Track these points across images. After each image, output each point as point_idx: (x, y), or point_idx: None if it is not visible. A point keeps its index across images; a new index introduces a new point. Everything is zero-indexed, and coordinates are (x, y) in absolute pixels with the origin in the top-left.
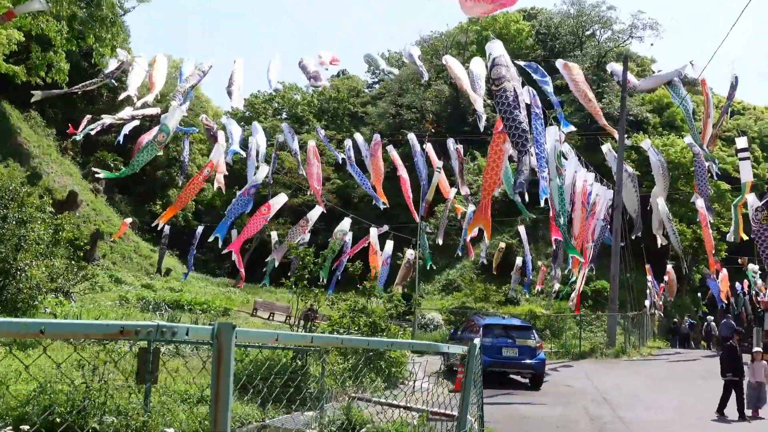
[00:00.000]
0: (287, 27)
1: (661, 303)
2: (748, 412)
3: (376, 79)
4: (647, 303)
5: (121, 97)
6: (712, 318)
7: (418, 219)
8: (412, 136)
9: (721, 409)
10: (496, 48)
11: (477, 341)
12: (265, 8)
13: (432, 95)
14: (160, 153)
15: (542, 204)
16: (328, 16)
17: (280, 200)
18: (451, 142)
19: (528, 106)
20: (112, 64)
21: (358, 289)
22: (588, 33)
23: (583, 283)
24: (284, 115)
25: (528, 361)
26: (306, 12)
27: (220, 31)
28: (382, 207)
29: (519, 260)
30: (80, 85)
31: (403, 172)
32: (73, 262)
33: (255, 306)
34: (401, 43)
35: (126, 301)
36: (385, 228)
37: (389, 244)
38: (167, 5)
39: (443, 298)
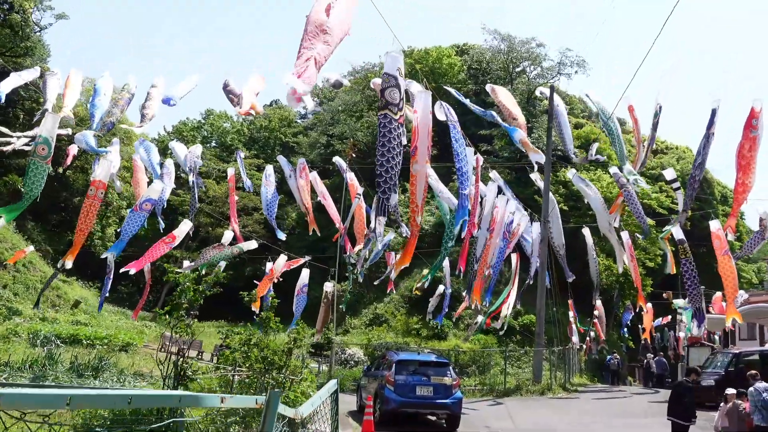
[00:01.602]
0: (216, 52)
1: (591, 338)
2: None
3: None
4: (574, 338)
5: (38, 116)
6: (653, 356)
7: (338, 238)
8: (338, 160)
9: None
10: (392, 62)
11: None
12: (191, 29)
13: (364, 126)
14: (51, 171)
15: (457, 228)
16: (259, 43)
17: (183, 228)
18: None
19: (442, 123)
20: (13, 80)
21: (238, 322)
22: (518, 69)
23: (502, 309)
24: (213, 143)
25: (443, 400)
26: (243, 40)
27: (140, 50)
28: (311, 232)
29: (440, 287)
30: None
31: (326, 197)
32: None
33: (163, 340)
34: (334, 72)
35: (15, 335)
36: (306, 259)
37: (305, 272)
38: (88, 22)
39: (370, 332)
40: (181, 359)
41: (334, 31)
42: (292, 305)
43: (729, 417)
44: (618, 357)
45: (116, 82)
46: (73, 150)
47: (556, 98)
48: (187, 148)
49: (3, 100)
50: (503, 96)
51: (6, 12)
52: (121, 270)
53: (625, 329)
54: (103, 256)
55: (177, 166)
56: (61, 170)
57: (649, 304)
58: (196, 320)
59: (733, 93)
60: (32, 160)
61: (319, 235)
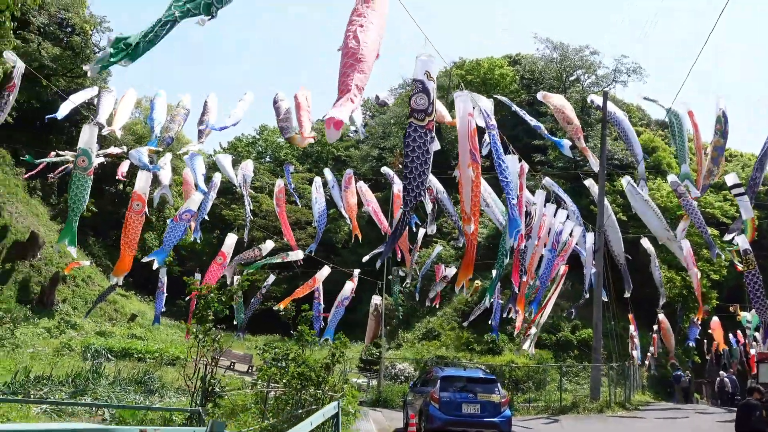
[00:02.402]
0: (268, 67)
1: (654, 354)
2: None
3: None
4: (635, 353)
5: (105, 131)
6: (725, 374)
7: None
8: (386, 170)
9: None
10: (421, 66)
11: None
12: (242, 43)
13: None
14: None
15: (512, 241)
16: (309, 60)
17: (230, 242)
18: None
19: (481, 130)
20: (80, 96)
21: (289, 336)
22: (572, 78)
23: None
24: (267, 159)
25: (491, 419)
26: (290, 57)
27: (190, 68)
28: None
29: (487, 300)
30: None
31: (373, 204)
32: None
33: (221, 354)
34: (386, 86)
35: (69, 349)
36: (357, 273)
37: (348, 285)
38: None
39: (423, 346)
40: (209, 375)
41: (368, 57)
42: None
43: None
44: (689, 374)
45: (171, 99)
46: (123, 167)
47: (612, 106)
48: (241, 163)
49: (60, 118)
50: (557, 101)
51: (68, 35)
52: (187, 298)
53: (693, 344)
54: (145, 259)
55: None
56: (121, 186)
57: (716, 318)
58: (248, 334)
59: None
60: (74, 172)
61: (360, 239)
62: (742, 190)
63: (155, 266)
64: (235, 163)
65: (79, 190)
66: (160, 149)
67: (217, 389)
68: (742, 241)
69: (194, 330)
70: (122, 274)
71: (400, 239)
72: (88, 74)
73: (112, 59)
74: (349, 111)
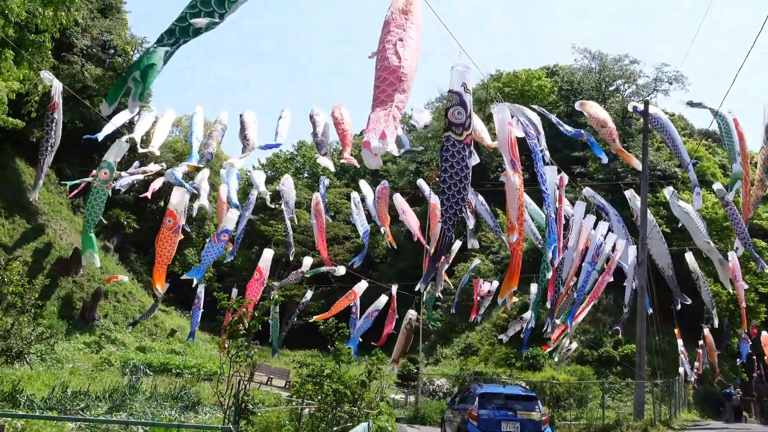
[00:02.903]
0: (303, 84)
1: (699, 370)
2: None
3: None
4: (681, 370)
5: (142, 150)
6: None
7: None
8: (421, 182)
9: None
10: (457, 77)
11: None
12: (273, 60)
13: None
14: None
15: (555, 259)
16: (346, 73)
17: (266, 257)
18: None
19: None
20: (122, 117)
21: (327, 351)
22: (612, 88)
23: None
24: (305, 174)
25: None
26: (325, 71)
27: (230, 83)
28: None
29: (527, 314)
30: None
31: (408, 215)
32: (33, 320)
33: (254, 369)
34: (420, 99)
35: (109, 364)
36: (394, 288)
37: (383, 298)
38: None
39: (462, 362)
40: (242, 391)
41: (409, 76)
42: (381, 333)
43: None
44: (740, 391)
45: (209, 116)
46: (155, 184)
47: (656, 110)
48: (280, 179)
49: (100, 140)
50: (591, 108)
51: (110, 56)
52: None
53: (744, 360)
54: (183, 277)
55: (274, 197)
56: (162, 204)
57: (766, 333)
58: (287, 349)
59: None
60: (94, 183)
61: (396, 251)
62: None
63: (194, 283)
64: (274, 180)
65: (96, 201)
66: (201, 165)
67: (251, 406)
68: None
69: (228, 345)
70: (162, 285)
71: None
72: (132, 110)
73: (144, 84)
74: (393, 137)
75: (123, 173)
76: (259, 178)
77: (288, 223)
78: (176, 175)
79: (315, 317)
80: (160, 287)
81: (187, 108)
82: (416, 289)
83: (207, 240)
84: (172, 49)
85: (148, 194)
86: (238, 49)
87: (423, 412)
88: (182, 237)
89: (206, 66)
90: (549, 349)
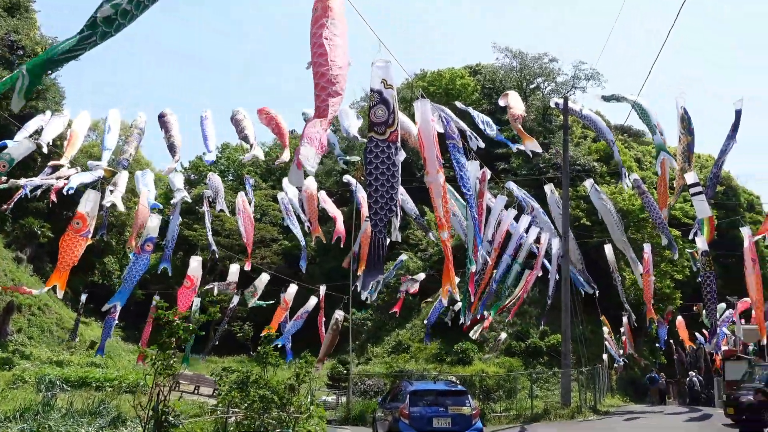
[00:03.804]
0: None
1: (622, 356)
2: None
3: None
4: (605, 356)
5: (54, 162)
6: (695, 373)
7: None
8: (349, 178)
9: None
10: (376, 74)
11: None
12: (195, 60)
13: None
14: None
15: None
16: (268, 70)
17: (195, 265)
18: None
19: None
20: (33, 124)
21: (251, 356)
22: (532, 86)
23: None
24: (230, 177)
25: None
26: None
27: (146, 84)
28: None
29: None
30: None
31: (334, 211)
32: None
33: (176, 379)
34: (349, 98)
35: (23, 381)
36: (323, 288)
37: (312, 300)
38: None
39: (392, 360)
40: (162, 403)
41: (341, 77)
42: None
43: None
44: (664, 375)
45: (126, 117)
46: (61, 182)
47: (578, 105)
48: (204, 184)
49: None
50: (509, 98)
51: (19, 58)
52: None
53: (663, 344)
54: (104, 309)
55: (197, 200)
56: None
57: (680, 318)
58: (214, 355)
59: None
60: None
61: (324, 241)
62: (699, 189)
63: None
64: (198, 183)
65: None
66: (116, 171)
67: (171, 418)
68: (701, 243)
69: (150, 354)
70: (60, 285)
71: (363, 251)
72: (16, 107)
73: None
74: (323, 149)
75: (35, 179)
76: (179, 181)
77: (208, 224)
78: (74, 186)
79: (264, 329)
80: (60, 288)
81: (105, 111)
82: (363, 298)
83: (131, 255)
84: (77, 44)
85: (52, 193)
86: (150, 50)
87: (355, 412)
88: (91, 242)
89: (125, 67)
90: (472, 332)
